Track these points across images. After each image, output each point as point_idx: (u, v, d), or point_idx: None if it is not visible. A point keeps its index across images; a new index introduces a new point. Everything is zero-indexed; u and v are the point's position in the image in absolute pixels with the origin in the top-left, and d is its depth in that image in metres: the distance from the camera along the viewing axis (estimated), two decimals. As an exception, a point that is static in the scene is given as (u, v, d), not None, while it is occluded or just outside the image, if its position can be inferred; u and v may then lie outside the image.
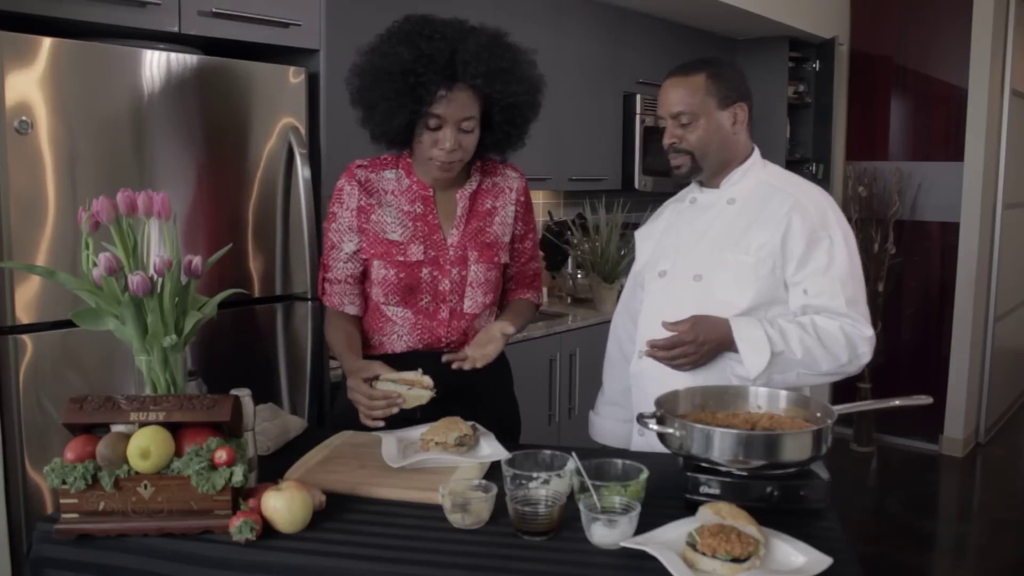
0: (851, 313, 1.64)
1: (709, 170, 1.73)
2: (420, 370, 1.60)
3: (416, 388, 1.56)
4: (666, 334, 1.64)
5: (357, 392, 1.59)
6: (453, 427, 1.53)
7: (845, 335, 1.62)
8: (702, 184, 1.79)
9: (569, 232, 3.69)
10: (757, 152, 1.77)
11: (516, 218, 1.86)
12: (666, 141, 1.72)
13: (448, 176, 1.75)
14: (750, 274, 1.65)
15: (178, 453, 1.24)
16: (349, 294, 1.81)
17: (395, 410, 1.56)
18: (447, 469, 1.46)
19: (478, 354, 1.66)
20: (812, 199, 1.70)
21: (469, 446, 1.53)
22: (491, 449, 1.54)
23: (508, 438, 1.72)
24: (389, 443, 1.52)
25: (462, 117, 1.65)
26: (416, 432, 1.60)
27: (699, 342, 1.60)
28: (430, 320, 1.76)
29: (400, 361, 1.72)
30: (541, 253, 3.82)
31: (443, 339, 1.77)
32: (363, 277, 1.81)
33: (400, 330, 1.78)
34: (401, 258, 1.74)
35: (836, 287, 1.64)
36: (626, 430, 1.90)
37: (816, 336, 1.61)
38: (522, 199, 1.87)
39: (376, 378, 1.59)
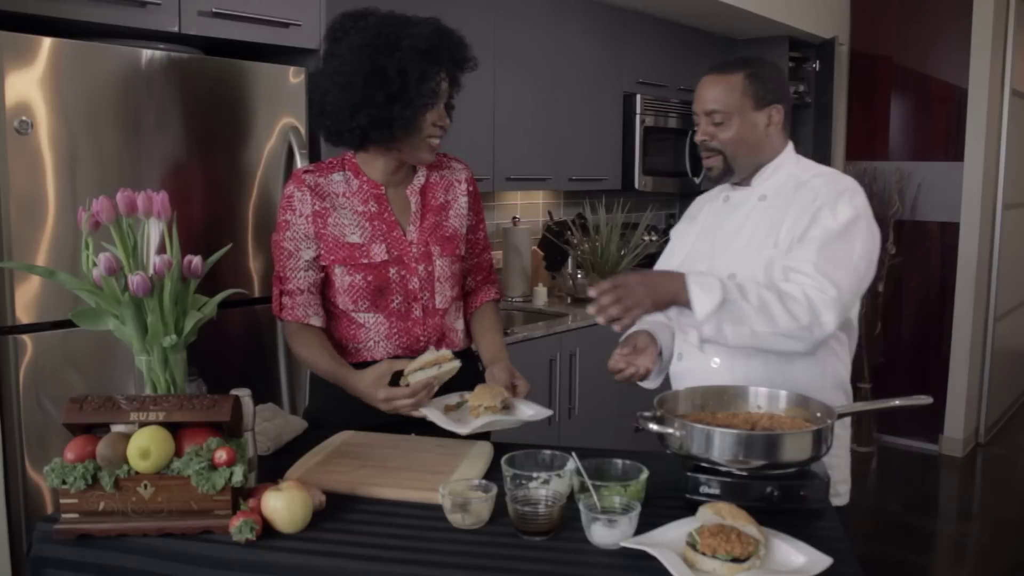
0: (817, 276, 1.53)
1: (741, 171, 1.71)
2: (432, 347, 1.64)
3: (443, 364, 1.58)
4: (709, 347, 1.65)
5: (397, 400, 1.56)
6: (494, 392, 1.58)
7: (806, 297, 1.50)
8: (735, 183, 1.77)
9: (569, 232, 3.69)
10: (790, 147, 1.74)
11: (468, 208, 1.87)
12: (698, 138, 1.72)
13: (433, 158, 1.76)
14: None
15: (178, 453, 1.24)
16: (312, 305, 1.74)
17: (434, 390, 1.60)
18: (447, 469, 1.46)
19: (520, 387, 1.69)
20: (837, 186, 1.65)
21: (510, 407, 1.59)
22: (532, 410, 1.60)
23: (480, 436, 1.73)
24: (437, 416, 1.54)
25: (448, 93, 1.72)
26: (441, 402, 1.63)
27: (633, 282, 1.50)
28: (404, 321, 1.75)
29: None
30: (541, 253, 3.83)
31: (421, 339, 1.77)
32: (323, 286, 1.77)
33: (375, 336, 1.75)
34: (365, 260, 1.71)
35: (811, 248, 1.55)
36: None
37: (776, 293, 1.52)
38: (471, 189, 1.88)
39: (399, 375, 1.59)
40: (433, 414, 1.56)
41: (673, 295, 1.50)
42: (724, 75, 1.67)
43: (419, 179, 1.81)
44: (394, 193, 1.78)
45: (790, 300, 1.50)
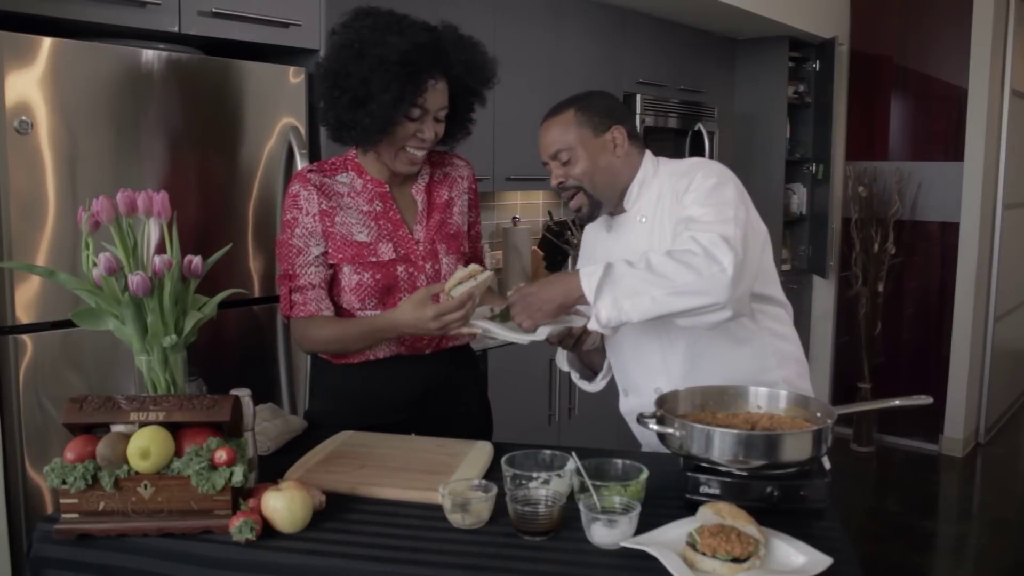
0: (704, 220, 1.50)
1: (606, 200, 1.67)
2: (460, 265, 1.64)
3: (478, 276, 1.56)
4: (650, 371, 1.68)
5: (447, 315, 1.53)
6: None
7: (697, 242, 1.44)
8: (612, 213, 1.73)
9: (569, 232, 3.69)
10: (647, 158, 1.69)
11: (469, 206, 1.87)
12: (553, 182, 1.69)
13: (415, 169, 1.74)
14: None
15: (178, 453, 1.24)
16: (324, 300, 1.72)
17: (477, 301, 1.58)
18: (447, 469, 1.46)
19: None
20: (699, 161, 1.65)
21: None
22: (582, 319, 1.60)
23: (482, 437, 1.74)
24: (496, 328, 1.54)
25: (441, 106, 1.66)
26: (477, 315, 1.62)
27: (528, 292, 1.55)
28: None
29: (384, 367, 1.73)
30: (541, 253, 3.83)
31: (425, 337, 1.75)
32: (330, 285, 1.74)
33: None
34: (373, 259, 1.70)
35: (692, 207, 1.54)
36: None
37: (667, 253, 1.46)
38: (472, 187, 1.88)
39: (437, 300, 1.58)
40: (489, 324, 1.54)
41: (565, 292, 1.51)
42: (555, 117, 1.67)
43: (423, 178, 1.80)
44: (399, 192, 1.77)
45: (682, 253, 1.44)
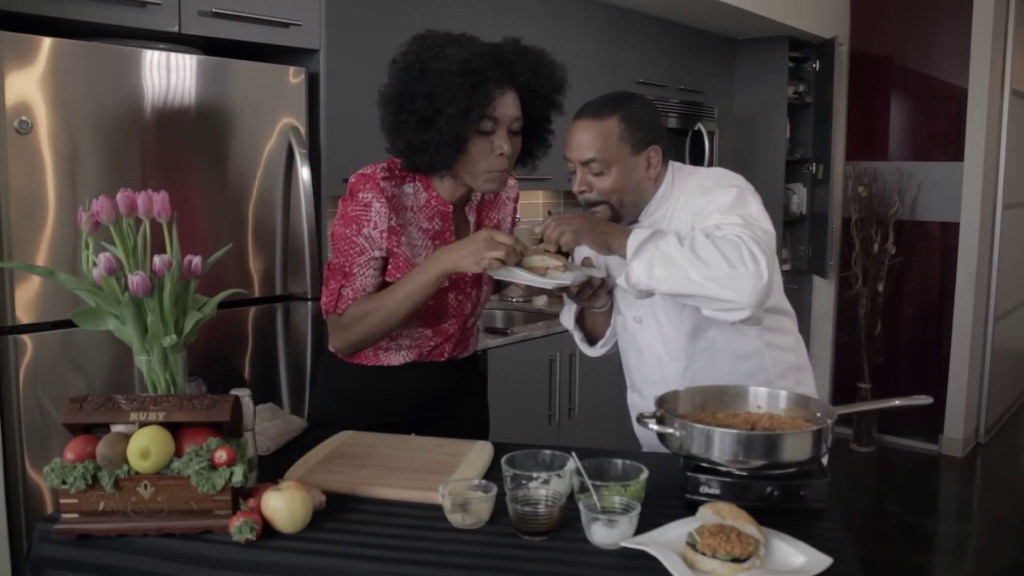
0: (740, 227, 1.47)
1: (627, 217, 1.65)
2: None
3: (551, 264, 1.55)
4: (664, 375, 1.68)
5: (501, 236, 1.49)
6: (553, 255, 1.56)
7: (740, 239, 1.43)
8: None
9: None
10: (670, 171, 1.66)
11: (511, 227, 1.85)
12: (576, 188, 1.64)
13: (501, 187, 1.64)
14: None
15: (178, 453, 1.24)
16: None
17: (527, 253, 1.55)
18: (447, 469, 1.46)
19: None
20: (716, 173, 1.63)
21: (568, 265, 1.58)
22: (602, 272, 1.62)
23: (479, 438, 1.73)
24: (523, 274, 1.53)
25: (513, 117, 1.57)
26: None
27: (576, 216, 1.54)
28: (441, 336, 1.74)
29: (399, 374, 1.73)
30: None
31: (445, 352, 1.76)
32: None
33: (397, 346, 1.72)
34: None
35: (715, 215, 1.52)
36: None
37: (709, 235, 1.45)
38: (516, 205, 1.85)
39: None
40: (514, 268, 1.52)
41: (611, 235, 1.51)
42: (598, 120, 1.58)
43: (476, 195, 1.74)
44: (458, 213, 1.72)
45: (723, 242, 1.42)
